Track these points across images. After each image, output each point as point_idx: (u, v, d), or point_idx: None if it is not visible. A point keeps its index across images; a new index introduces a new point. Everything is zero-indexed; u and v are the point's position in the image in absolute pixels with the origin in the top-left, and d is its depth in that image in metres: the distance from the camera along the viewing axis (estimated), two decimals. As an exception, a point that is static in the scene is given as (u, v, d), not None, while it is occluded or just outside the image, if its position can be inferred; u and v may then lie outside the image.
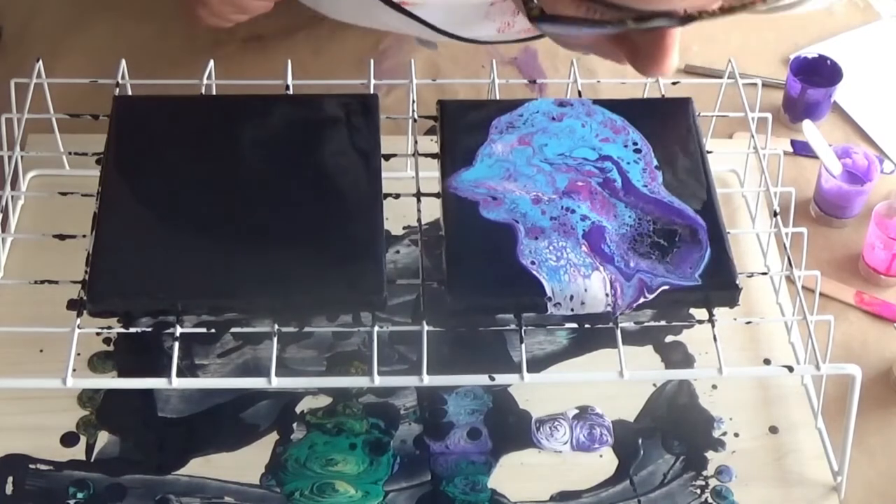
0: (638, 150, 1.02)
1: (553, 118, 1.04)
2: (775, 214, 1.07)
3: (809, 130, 1.20)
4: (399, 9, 1.11)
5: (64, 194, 1.07)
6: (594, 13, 0.56)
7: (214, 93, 1.11)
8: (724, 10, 0.55)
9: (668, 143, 1.03)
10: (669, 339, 1.11)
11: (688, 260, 0.94)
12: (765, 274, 1.08)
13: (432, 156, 1.04)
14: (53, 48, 1.33)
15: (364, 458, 1.02)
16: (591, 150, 1.02)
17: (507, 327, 1.05)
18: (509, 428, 1.05)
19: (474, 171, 1.00)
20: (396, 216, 1.13)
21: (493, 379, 0.94)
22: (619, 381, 0.93)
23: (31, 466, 1.01)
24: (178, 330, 0.92)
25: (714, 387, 1.08)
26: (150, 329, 1.00)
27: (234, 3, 1.17)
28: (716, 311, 0.95)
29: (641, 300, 0.92)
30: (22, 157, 1.12)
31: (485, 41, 1.20)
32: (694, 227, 0.96)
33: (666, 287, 0.93)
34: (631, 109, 1.05)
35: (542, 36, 1.16)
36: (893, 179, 1.27)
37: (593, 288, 0.92)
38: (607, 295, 0.92)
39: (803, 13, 0.57)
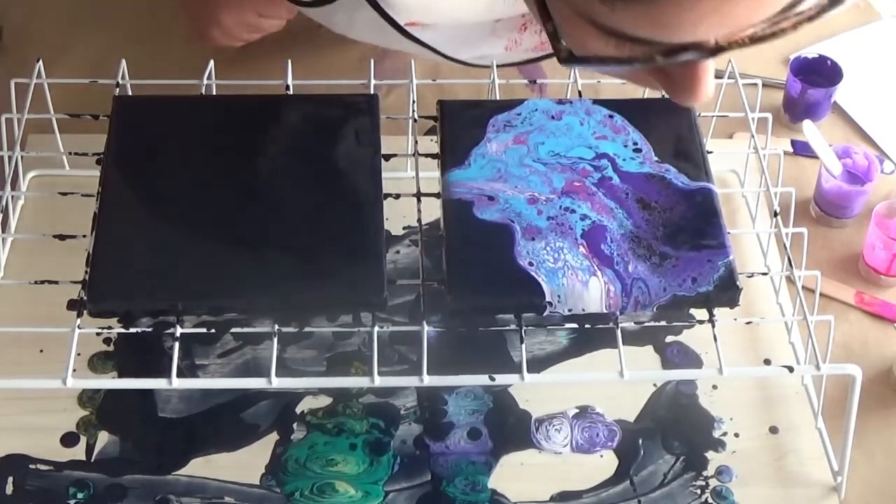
0: (638, 150, 1.02)
1: (552, 117, 1.04)
2: (775, 214, 1.07)
3: (809, 130, 1.20)
4: (407, 34, 1.11)
5: (64, 194, 1.07)
6: (623, 49, 0.55)
7: (214, 93, 1.11)
8: (755, 39, 0.54)
9: (669, 143, 1.03)
10: (669, 339, 1.11)
11: (688, 268, 0.94)
12: (765, 274, 1.08)
13: (432, 156, 1.04)
14: (53, 48, 1.33)
15: (364, 458, 1.02)
16: (588, 149, 1.02)
17: (507, 327, 1.05)
18: (509, 428, 1.05)
19: (467, 171, 1.00)
20: (396, 216, 1.13)
21: (493, 379, 0.94)
22: (619, 381, 0.93)
23: (31, 466, 1.01)
24: (178, 330, 0.92)
25: (714, 387, 1.08)
26: (150, 329, 1.00)
27: (248, 24, 1.17)
28: (716, 311, 0.95)
29: (639, 311, 0.94)
30: (22, 157, 1.12)
31: (490, 65, 1.21)
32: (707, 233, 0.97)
33: (663, 302, 0.93)
34: (631, 109, 1.05)
35: (550, 55, 1.16)
36: (893, 179, 1.27)
37: (591, 301, 0.93)
38: (606, 306, 0.93)
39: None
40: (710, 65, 0.59)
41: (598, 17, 0.54)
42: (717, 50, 0.54)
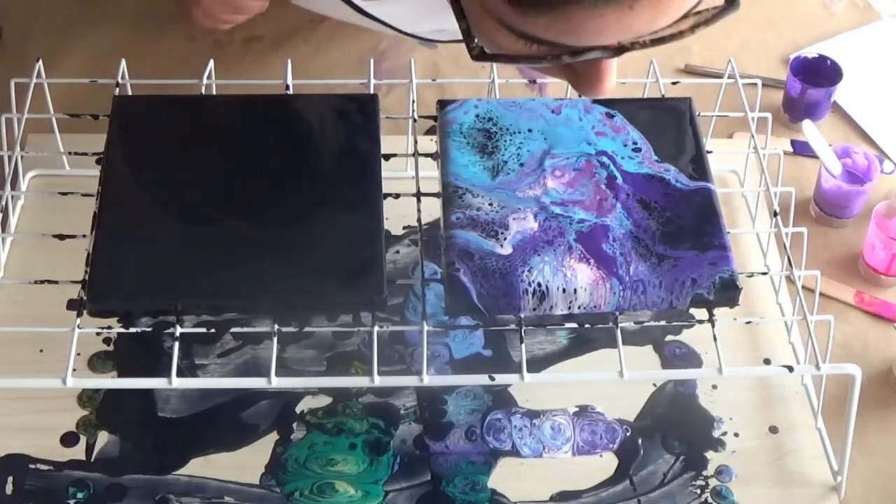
0: (637, 150, 1.02)
1: (552, 111, 1.04)
2: (775, 214, 1.07)
3: (809, 130, 1.20)
4: (362, 11, 1.11)
5: (64, 194, 1.07)
6: (532, 49, 0.60)
7: (214, 93, 1.11)
8: (655, 41, 0.59)
9: (668, 143, 1.03)
10: (669, 338, 1.11)
11: (687, 269, 0.94)
12: (765, 274, 1.08)
13: (432, 156, 1.04)
14: (53, 48, 1.34)
15: (364, 458, 1.02)
16: (587, 145, 1.01)
17: (507, 327, 1.05)
18: (509, 428, 1.05)
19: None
20: (396, 216, 1.13)
21: (493, 379, 0.94)
22: (619, 380, 0.93)
23: (31, 466, 1.01)
24: (178, 330, 0.92)
25: (714, 387, 1.08)
26: (150, 329, 1.00)
27: (227, 3, 1.16)
28: (716, 310, 0.95)
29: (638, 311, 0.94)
30: (22, 157, 1.12)
31: (448, 40, 1.20)
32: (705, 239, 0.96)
33: (656, 309, 0.93)
34: (631, 109, 1.05)
35: None
36: (893, 179, 1.27)
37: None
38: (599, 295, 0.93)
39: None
40: (614, 62, 0.63)
41: (511, 20, 0.59)
42: (620, 50, 0.59)
